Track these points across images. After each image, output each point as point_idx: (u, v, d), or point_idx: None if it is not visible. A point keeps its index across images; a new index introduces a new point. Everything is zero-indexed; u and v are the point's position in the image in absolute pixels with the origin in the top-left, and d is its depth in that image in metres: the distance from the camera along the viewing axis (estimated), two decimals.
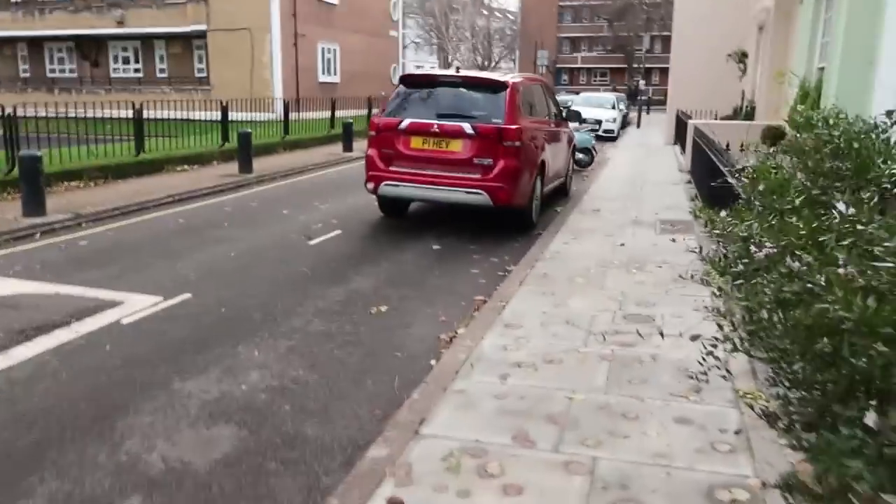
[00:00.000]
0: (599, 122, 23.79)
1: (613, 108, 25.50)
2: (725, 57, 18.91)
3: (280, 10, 26.08)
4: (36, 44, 31.71)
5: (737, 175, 3.45)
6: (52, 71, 32.01)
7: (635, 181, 12.70)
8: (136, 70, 30.58)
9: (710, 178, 8.02)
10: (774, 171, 2.71)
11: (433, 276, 6.55)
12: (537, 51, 50.68)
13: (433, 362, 4.42)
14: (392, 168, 8.09)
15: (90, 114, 11.77)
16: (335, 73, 30.33)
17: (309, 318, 5.24)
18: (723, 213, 2.66)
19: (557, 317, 5.16)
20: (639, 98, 32.60)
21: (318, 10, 28.57)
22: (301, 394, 4.02)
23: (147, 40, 29.72)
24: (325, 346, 4.72)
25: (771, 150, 2.93)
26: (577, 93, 36.13)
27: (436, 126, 7.82)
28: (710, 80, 19.57)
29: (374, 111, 19.97)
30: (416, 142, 7.99)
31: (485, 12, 63.68)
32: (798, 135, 3.50)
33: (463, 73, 8.29)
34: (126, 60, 30.76)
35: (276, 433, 3.57)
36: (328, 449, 3.43)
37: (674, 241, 7.21)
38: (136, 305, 5.40)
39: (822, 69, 10.43)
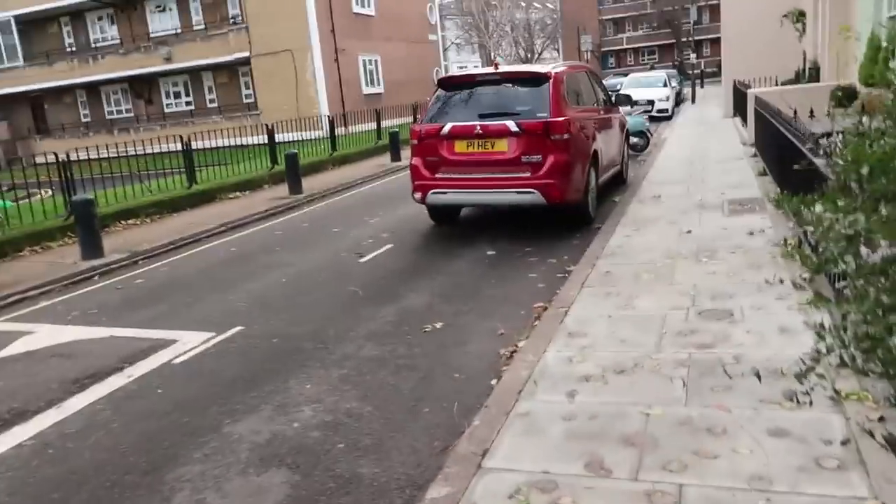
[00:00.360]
0: (652, 103, 22.89)
1: (665, 85, 24.59)
2: (780, 19, 17.91)
3: (318, 27, 26.27)
4: (93, 89, 32.96)
5: (821, 148, 2.98)
6: (111, 113, 33.20)
7: (696, 161, 12.06)
8: (188, 103, 31.39)
9: (779, 151, 7.44)
10: (873, 145, 2.26)
11: (488, 285, 6.24)
12: (580, 36, 49.66)
13: (494, 382, 4.11)
14: (438, 175, 7.82)
15: (148, 150, 12.05)
16: (378, 84, 30.37)
17: (361, 343, 5.01)
18: (817, 206, 2.22)
19: (625, 320, 4.77)
20: (691, 72, 31.40)
21: (355, 23, 28.66)
22: (355, 428, 3.78)
23: (195, 73, 30.46)
24: (378, 372, 4.48)
25: (860, 116, 2.47)
26: (626, 74, 35.13)
27: (479, 127, 7.51)
28: (765, 45, 18.58)
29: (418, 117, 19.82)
30: (460, 146, 7.69)
31: (523, 4, 62.86)
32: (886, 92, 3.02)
33: (502, 68, 7.95)
34: (177, 95, 31.62)
35: (330, 476, 3.33)
36: (385, 491, 3.17)
37: (751, 234, 6.64)
38: (188, 343, 5.30)
39: (893, 18, 9.62)
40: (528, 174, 7.43)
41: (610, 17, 71.55)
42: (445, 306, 5.70)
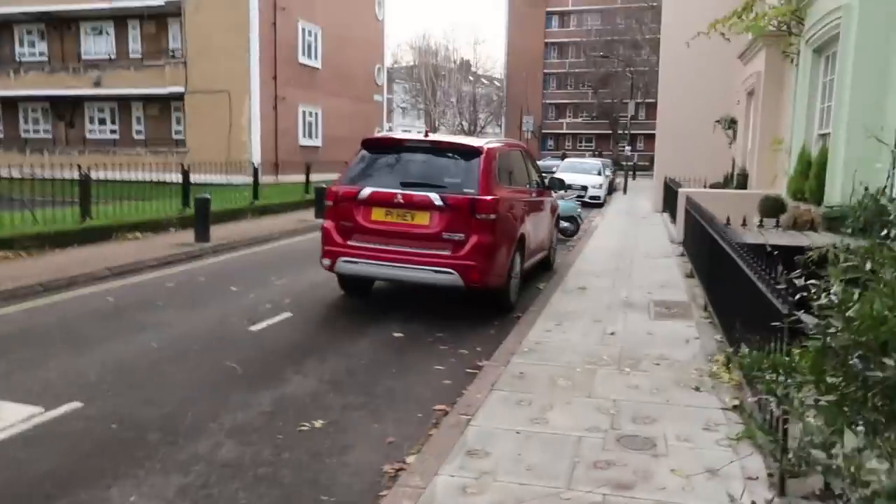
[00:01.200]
0: (585, 189, 23.20)
1: (599, 174, 24.97)
2: (713, 123, 18.41)
3: (260, 72, 25.65)
4: (10, 104, 31.03)
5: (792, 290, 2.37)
6: (27, 131, 31.26)
7: (624, 253, 11.81)
8: (113, 131, 29.90)
9: (710, 256, 7.11)
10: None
11: (388, 374, 5.48)
12: (522, 116, 50.89)
13: None
14: (351, 242, 7.12)
15: (59, 175, 11.01)
16: (317, 137, 29.78)
17: (220, 440, 4.13)
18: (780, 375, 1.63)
19: (535, 438, 4.09)
20: (625, 163, 32.26)
21: (299, 74, 28.20)
22: None
23: (124, 101, 29.15)
24: (229, 484, 3.61)
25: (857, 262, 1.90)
26: (563, 157, 35.83)
27: (400, 196, 6.90)
28: (697, 146, 19.02)
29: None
30: (377, 213, 7.05)
31: (471, 78, 64.40)
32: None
33: (432, 136, 7.44)
34: (102, 121, 30.12)
35: None
36: None
37: (677, 344, 6.20)
38: (3, 420, 4.29)
39: (823, 136, 9.71)
40: (447, 252, 6.82)
41: (553, 101, 74.07)
42: (334, 397, 4.90)
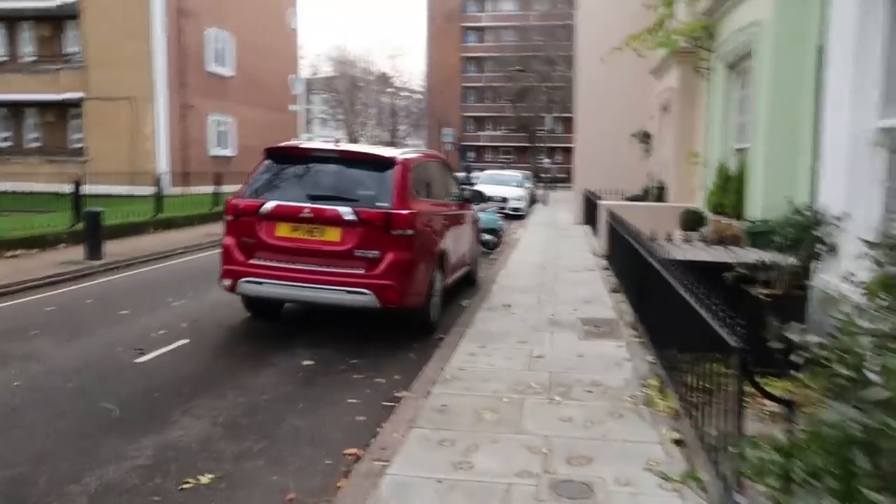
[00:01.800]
0: (506, 200, 23.09)
1: (519, 186, 24.96)
2: (629, 137, 18.61)
3: (167, 80, 24.33)
4: None
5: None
6: None
7: (547, 267, 11.53)
8: (5, 139, 27.69)
9: (638, 274, 6.83)
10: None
11: (294, 411, 4.85)
12: (441, 129, 50.83)
13: None
14: (254, 261, 6.45)
15: None
16: (229, 147, 28.53)
17: None
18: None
19: (458, 490, 3.58)
20: (544, 176, 32.53)
21: (209, 82, 26.98)
22: None
23: (16, 107, 27.05)
24: None
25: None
26: (483, 170, 35.81)
27: (308, 210, 6.29)
28: (614, 159, 19.18)
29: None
30: (283, 229, 6.41)
31: (390, 90, 63.95)
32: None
33: (343, 146, 6.86)
34: None
35: None
36: None
37: (608, 367, 5.82)
38: None
39: (740, 150, 9.72)
40: (361, 271, 6.25)
41: (472, 114, 74.53)
42: (228, 444, 4.24)
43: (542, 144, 63.03)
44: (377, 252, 6.25)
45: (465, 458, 3.97)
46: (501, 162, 69.49)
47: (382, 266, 6.24)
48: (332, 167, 6.65)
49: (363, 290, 6.22)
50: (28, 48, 27.17)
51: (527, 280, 10.17)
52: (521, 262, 12.03)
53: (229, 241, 6.59)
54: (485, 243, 14.11)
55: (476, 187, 24.09)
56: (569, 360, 5.99)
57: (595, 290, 9.39)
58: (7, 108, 27.19)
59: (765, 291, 5.71)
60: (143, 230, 14.43)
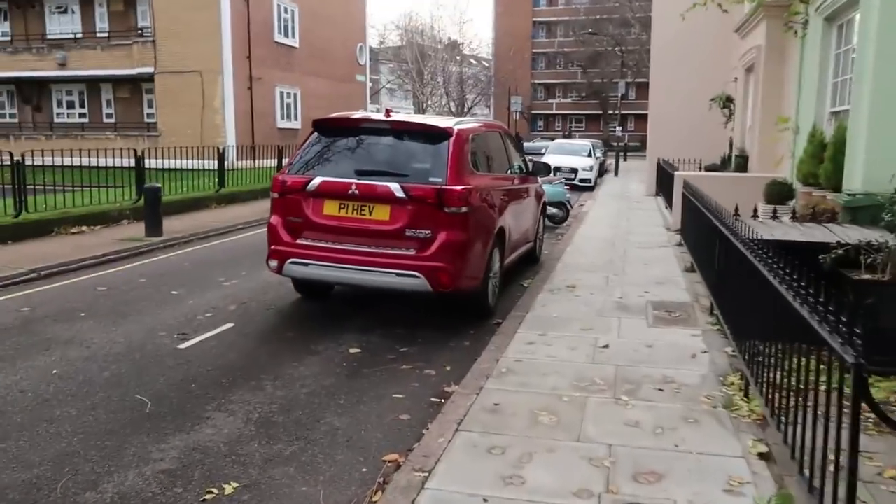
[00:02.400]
0: (575, 171, 22.22)
1: (590, 155, 23.96)
2: (708, 102, 17.40)
3: (233, 52, 24.37)
4: None
5: None
6: None
7: (617, 243, 10.84)
8: (82, 115, 28.58)
9: (716, 253, 6.13)
10: None
11: (335, 406, 4.50)
12: (510, 97, 49.70)
13: None
14: (301, 241, 6.11)
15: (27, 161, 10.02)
16: (296, 119, 28.56)
17: None
18: None
19: None
20: (616, 144, 31.23)
21: (276, 53, 26.94)
22: None
23: (93, 83, 27.81)
24: None
25: None
26: (553, 139, 34.75)
27: (355, 187, 5.88)
28: (692, 127, 18.04)
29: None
30: (330, 207, 6.03)
31: (458, 58, 62.88)
32: None
33: (395, 116, 6.38)
34: (70, 105, 28.78)
35: None
36: None
37: (683, 360, 5.22)
38: None
39: (836, 114, 8.73)
40: (412, 252, 5.82)
41: (542, 81, 72.75)
42: (259, 445, 3.91)
43: (614, 112, 61.06)
44: (429, 231, 5.80)
45: (517, 470, 3.51)
46: (572, 131, 67.81)
47: (435, 246, 5.79)
48: (383, 139, 6.20)
49: (414, 272, 5.79)
50: (102, 24, 27.77)
51: (594, 258, 9.54)
52: (588, 238, 11.36)
53: (276, 220, 6.27)
54: (550, 217, 13.49)
55: (543, 158, 23.32)
56: (637, 352, 5.42)
57: (667, 270, 8.69)
58: (84, 83, 27.96)
59: (870, 276, 4.96)
60: (206, 205, 14.46)
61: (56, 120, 28.79)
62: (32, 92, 28.89)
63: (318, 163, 6.21)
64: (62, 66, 26.39)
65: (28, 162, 11.56)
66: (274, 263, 6.23)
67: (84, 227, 10.81)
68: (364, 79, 35.14)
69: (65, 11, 28.26)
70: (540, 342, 5.68)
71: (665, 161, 16.97)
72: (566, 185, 14.54)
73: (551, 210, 13.42)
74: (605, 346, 5.57)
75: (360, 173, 5.97)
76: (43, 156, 12.31)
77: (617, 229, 12.38)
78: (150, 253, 9.58)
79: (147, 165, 14.93)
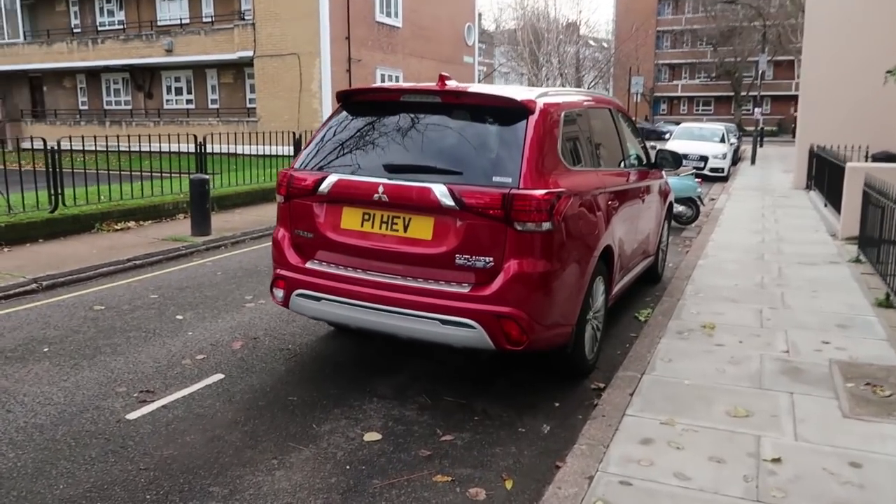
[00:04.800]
0: (705, 160, 19.25)
1: (722, 140, 20.77)
2: (883, 75, 14.07)
3: (331, 32, 23.11)
4: (94, 75, 30.38)
5: None
6: (109, 103, 30.53)
7: (767, 255, 8.31)
8: (189, 101, 28.52)
9: None
10: None
11: None
12: (631, 78, 46.10)
13: None
14: (311, 266, 4.27)
15: (135, 148, 9.87)
16: None
17: None
18: None
19: None
20: (754, 129, 27.43)
21: (377, 34, 25.51)
22: None
23: (199, 69, 27.60)
24: None
25: None
26: (677, 124, 31.34)
27: (382, 189, 3.95)
28: (855, 106, 14.76)
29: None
30: (349, 218, 4.14)
31: (576, 39, 59.47)
32: None
33: (450, 86, 4.38)
34: (178, 91, 28.80)
35: None
36: None
37: None
38: None
39: None
40: (465, 289, 3.83)
41: (666, 61, 67.80)
42: None
43: (747, 93, 55.57)
44: (491, 259, 3.79)
45: None
46: (698, 114, 62.77)
47: (500, 282, 3.77)
48: (431, 119, 4.20)
49: (467, 320, 3.80)
50: (208, 8, 27.47)
51: (737, 278, 7.13)
52: (725, 246, 8.87)
53: (281, 233, 4.47)
54: (677, 217, 11.04)
55: (667, 144, 20.46)
56: (836, 477, 3.16)
57: (849, 302, 6.17)
58: (191, 69, 27.82)
59: None
60: (273, 197, 13.03)
61: (165, 106, 28.92)
62: (144, 79, 29.15)
63: (340, 153, 4.32)
64: (168, 52, 26.24)
65: (136, 148, 10.87)
66: (279, 294, 4.42)
67: (131, 223, 9.60)
68: (472, 60, 33.17)
69: None
70: (662, 440, 3.54)
71: (821, 148, 13.89)
72: (695, 176, 11.91)
73: (678, 208, 10.96)
74: (776, 461, 3.35)
75: (393, 169, 4.03)
76: (150, 142, 11.62)
77: (763, 235, 9.75)
78: (186, 257, 8.14)
79: (245, 152, 13.96)
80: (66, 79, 31.25)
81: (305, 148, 4.52)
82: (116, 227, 9.33)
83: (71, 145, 9.48)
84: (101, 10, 30.08)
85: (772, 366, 4.61)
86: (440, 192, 3.80)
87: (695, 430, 3.66)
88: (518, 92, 4.21)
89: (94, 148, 10.16)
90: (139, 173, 11.82)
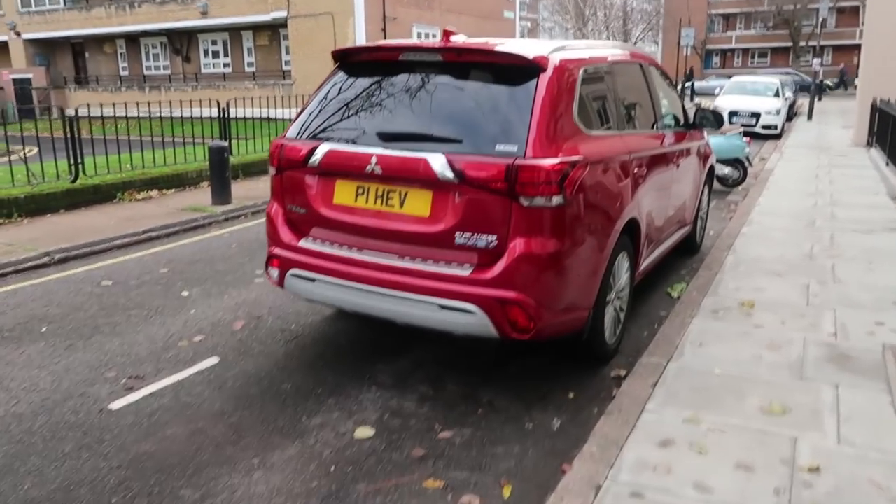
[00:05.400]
0: (756, 116, 18.21)
1: (777, 95, 19.59)
2: None
3: None
4: (133, 40, 30.50)
5: None
6: (148, 68, 30.69)
7: (818, 221, 7.68)
8: (226, 65, 28.42)
9: None
10: None
11: None
12: (681, 30, 44.11)
13: None
14: (304, 245, 3.96)
15: (175, 113, 9.90)
16: None
17: None
18: None
19: None
20: (813, 81, 25.84)
21: None
22: None
23: (234, 32, 27.40)
24: None
25: None
26: (730, 77, 29.85)
27: (375, 160, 3.57)
28: None
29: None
30: (342, 192, 3.79)
31: None
32: None
33: (456, 40, 3.93)
34: (215, 55, 28.71)
35: None
36: None
37: None
38: None
39: None
40: (466, 271, 3.46)
41: (720, 11, 64.71)
42: None
43: (806, 44, 52.68)
44: (494, 237, 3.40)
45: None
46: (754, 66, 60.03)
47: (504, 263, 3.39)
48: (432, 80, 3.77)
49: (468, 305, 3.44)
50: None
51: (782, 246, 6.57)
52: (773, 212, 8.25)
53: (275, 208, 4.15)
54: (722, 179, 10.40)
55: (717, 100, 19.42)
56: (884, 493, 2.73)
57: None
58: (227, 32, 27.62)
59: None
60: None
61: (203, 70, 28.88)
62: (182, 43, 29.11)
63: (335, 119, 3.95)
64: (204, 14, 26.06)
65: (177, 114, 10.79)
66: (275, 273, 4.13)
67: (154, 192, 9.46)
68: (513, 15, 32.14)
69: None
70: (683, 442, 3.15)
71: (885, 102, 12.87)
72: (744, 135, 11.14)
73: (723, 170, 10.31)
74: (814, 470, 2.93)
75: (388, 138, 3.65)
76: (191, 106, 11.45)
77: (816, 198, 9.06)
78: (204, 227, 7.95)
79: (280, 116, 13.71)
80: (107, 45, 31.48)
81: (300, 114, 4.16)
82: (138, 196, 9.21)
83: (102, 112, 9.36)
84: None
85: (816, 352, 4.13)
86: (438, 162, 3.41)
87: (722, 430, 3.25)
88: (529, 47, 3.74)
89: (124, 114, 10.02)
90: (171, 139, 11.73)
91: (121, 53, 31.41)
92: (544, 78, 3.55)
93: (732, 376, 3.83)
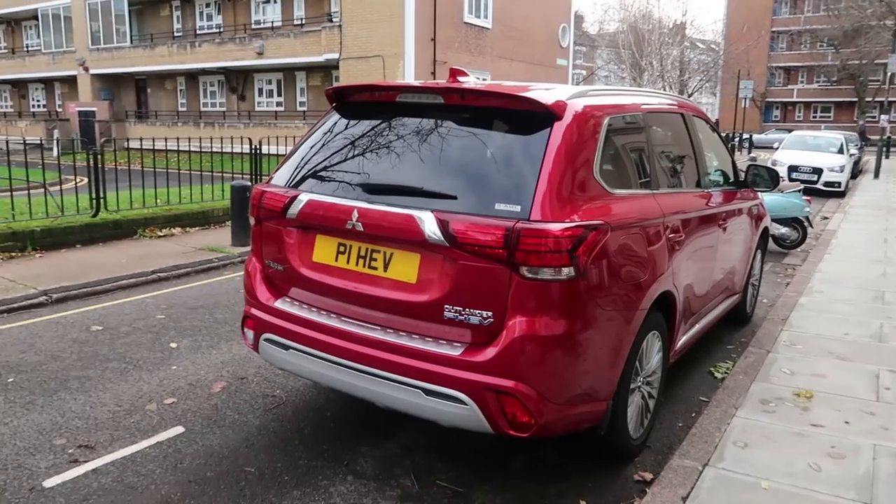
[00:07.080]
0: (818, 172, 17.22)
1: (840, 151, 18.57)
2: None
3: (416, 34, 22.54)
4: (193, 77, 31.32)
5: None
6: (205, 105, 31.39)
7: (888, 294, 6.83)
8: (279, 103, 28.81)
9: None
10: None
11: None
12: (740, 82, 43.21)
13: None
14: (280, 306, 3.45)
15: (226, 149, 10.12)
16: None
17: None
18: None
19: None
20: (880, 138, 24.58)
21: (465, 35, 24.75)
22: None
23: (289, 71, 27.82)
24: None
25: None
26: (790, 131, 28.76)
27: (356, 215, 3.07)
28: None
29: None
30: (322, 249, 3.30)
31: (686, 44, 56.49)
32: None
33: (464, 82, 3.44)
34: (269, 93, 29.15)
35: None
36: None
37: None
38: None
39: None
40: (456, 351, 2.89)
41: (781, 64, 63.48)
42: None
43: (872, 99, 50.93)
44: (489, 314, 2.83)
45: None
46: (816, 121, 58.37)
47: (500, 345, 2.81)
48: (430, 126, 3.28)
49: (456, 393, 2.86)
50: (299, 11, 27.63)
51: (846, 323, 5.78)
52: (836, 280, 7.42)
53: (253, 263, 3.67)
54: (780, 240, 9.60)
55: (776, 155, 18.51)
56: None
57: None
58: (282, 72, 28.07)
59: None
60: None
61: (256, 108, 29.36)
62: (238, 81, 29.72)
63: (321, 166, 3.48)
64: (260, 55, 26.52)
65: (227, 149, 10.67)
66: (250, 335, 3.63)
67: (176, 229, 9.20)
68: (566, 63, 31.85)
69: (268, 1, 28.57)
70: None
71: None
72: (804, 193, 10.33)
73: (779, 230, 9.52)
74: None
75: (373, 190, 3.14)
76: (241, 143, 11.25)
77: (885, 266, 8.18)
78: (217, 269, 7.58)
79: None
80: (168, 81, 32.40)
81: (287, 158, 3.71)
82: (160, 233, 8.95)
83: (153, 144, 9.23)
84: (201, 13, 30.95)
85: (889, 465, 3.39)
86: (426, 221, 2.88)
87: None
88: (545, 91, 3.22)
89: (175, 148, 9.99)
90: (209, 174, 11.62)
91: (180, 90, 32.29)
92: (560, 126, 3.01)
93: (783, 493, 3.12)
